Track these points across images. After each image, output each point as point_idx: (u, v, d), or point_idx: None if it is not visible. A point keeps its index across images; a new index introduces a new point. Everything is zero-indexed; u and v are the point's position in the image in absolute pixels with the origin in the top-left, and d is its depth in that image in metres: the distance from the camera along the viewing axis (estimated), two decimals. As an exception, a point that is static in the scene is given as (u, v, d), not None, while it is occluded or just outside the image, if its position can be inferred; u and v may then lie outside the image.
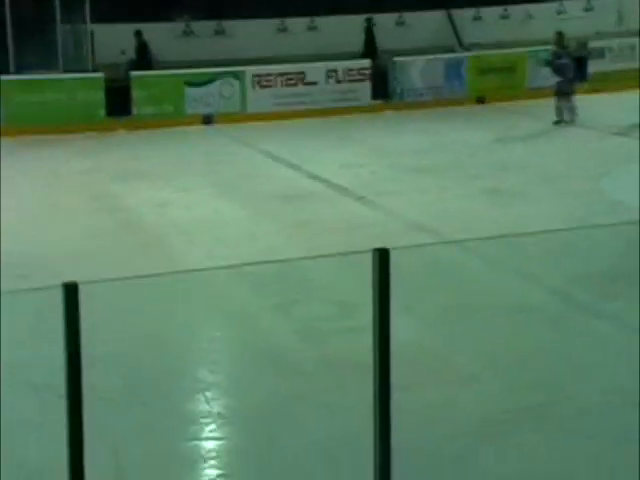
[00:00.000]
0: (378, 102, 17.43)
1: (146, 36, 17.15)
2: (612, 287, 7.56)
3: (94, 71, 16.52)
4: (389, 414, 3.16)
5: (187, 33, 17.92)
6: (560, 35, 15.57)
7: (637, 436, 3.15)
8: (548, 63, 15.37)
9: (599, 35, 18.61)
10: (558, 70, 14.94)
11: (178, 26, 17.96)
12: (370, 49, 18.14)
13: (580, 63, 17.20)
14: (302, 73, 17.34)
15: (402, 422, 5.43)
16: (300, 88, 17.23)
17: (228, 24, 18.19)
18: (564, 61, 15.06)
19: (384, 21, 19.10)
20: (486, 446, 5.55)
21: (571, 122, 14.60)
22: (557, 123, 14.46)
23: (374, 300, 3.00)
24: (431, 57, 17.95)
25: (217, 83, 16.70)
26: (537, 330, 7.19)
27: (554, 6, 19.62)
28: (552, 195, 11.03)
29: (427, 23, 19.27)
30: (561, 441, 5.49)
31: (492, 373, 6.53)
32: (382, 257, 3.10)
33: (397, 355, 3.91)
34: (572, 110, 14.64)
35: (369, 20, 18.14)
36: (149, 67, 16.99)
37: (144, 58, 17.13)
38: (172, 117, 16.06)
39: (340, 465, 5.34)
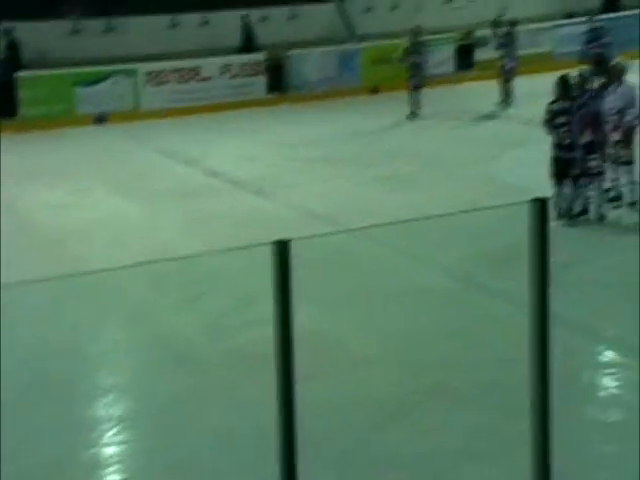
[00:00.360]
0: (274, 95, 17.44)
1: (33, 34, 16.62)
2: (504, 266, 7.79)
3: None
4: (292, 405, 3.16)
5: (76, 31, 17.48)
6: (416, 31, 15.71)
7: (527, 406, 3.27)
8: (401, 61, 15.45)
9: (484, 24, 19.09)
10: (412, 67, 15.08)
11: (67, 24, 17.50)
12: (248, 44, 17.97)
13: (466, 51, 17.63)
14: (196, 69, 17.19)
15: (308, 411, 5.50)
16: (195, 84, 17.08)
17: (118, 21, 17.84)
18: (416, 59, 15.15)
19: (278, 15, 19.11)
20: (391, 428, 5.66)
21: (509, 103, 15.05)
22: (411, 116, 14.68)
23: (275, 291, 3.00)
24: (325, 49, 18.06)
25: (109, 81, 16.38)
26: (435, 311, 7.37)
27: (441, -4, 20.02)
28: (444, 180, 11.28)
29: (320, 16, 19.38)
30: (459, 416, 5.65)
31: (394, 356, 6.65)
32: (282, 248, 3.10)
33: (302, 345, 3.93)
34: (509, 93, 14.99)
35: (246, 16, 18.00)
36: (19, 67, 16.36)
37: (14, 57, 16.53)
38: (62, 117, 15.65)
39: (245, 459, 5.34)
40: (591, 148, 9.15)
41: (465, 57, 17.69)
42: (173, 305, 7.91)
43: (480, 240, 8.76)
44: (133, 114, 16.19)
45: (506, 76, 15.17)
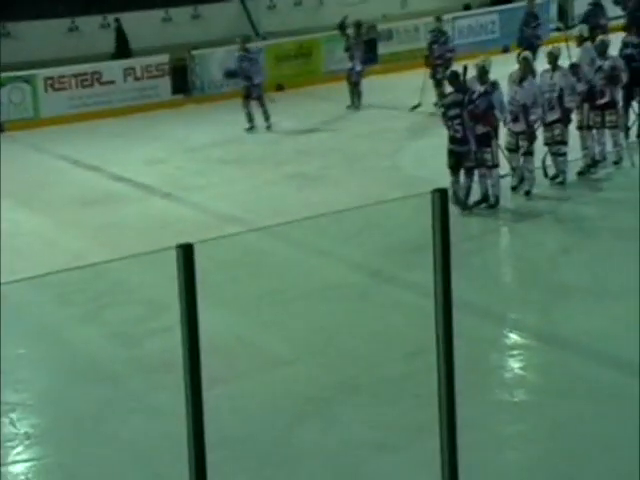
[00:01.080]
0: (179, 97, 17.20)
1: None
2: (412, 258, 7.86)
3: None
4: (201, 411, 3.09)
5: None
6: (244, 39, 15.17)
7: (436, 396, 3.29)
8: (230, 74, 14.94)
9: (386, 18, 19.26)
10: (243, 74, 14.44)
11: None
12: (122, 49, 17.40)
13: (370, 45, 17.73)
14: (98, 73, 16.81)
15: (224, 414, 5.43)
16: (97, 88, 16.69)
17: (13, 26, 17.31)
18: (245, 64, 14.54)
19: (180, 14, 18.87)
20: (305, 424, 5.65)
21: (357, 106, 14.85)
22: (249, 129, 14.15)
23: (180, 297, 2.92)
24: (229, 48, 17.91)
25: (6, 88, 15.85)
26: (346, 306, 7.38)
27: (343, -8, 20.09)
28: (352, 175, 11.32)
29: (222, 15, 19.22)
30: (371, 409, 5.67)
31: (304, 354, 6.64)
32: (186, 253, 3.02)
33: (214, 349, 3.87)
34: (359, 96, 14.86)
35: (118, 20, 17.54)
36: None
37: None
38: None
39: (158, 469, 5.24)
40: (484, 140, 9.30)
41: (369, 51, 17.78)
42: (79, 316, 7.71)
43: (388, 233, 8.83)
44: (33, 122, 15.73)
45: (354, 80, 14.98)
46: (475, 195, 9.43)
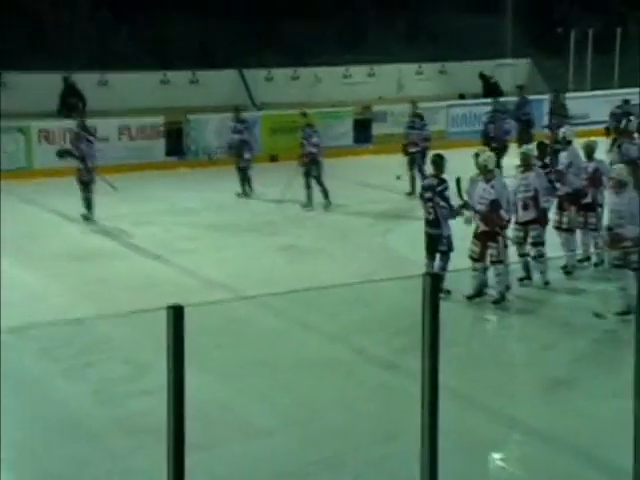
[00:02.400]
0: (172, 159, 17.36)
1: None
2: (399, 339, 7.88)
3: None
4: (183, 474, 3.08)
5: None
6: (238, 109, 15.33)
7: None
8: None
9: (381, 100, 19.68)
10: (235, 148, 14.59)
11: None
12: (66, 107, 17.41)
13: (365, 125, 18.07)
14: (93, 128, 16.93)
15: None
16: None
17: (10, 76, 17.49)
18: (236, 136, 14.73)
19: (178, 78, 19.18)
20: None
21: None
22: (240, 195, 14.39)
23: (168, 358, 2.93)
24: (225, 115, 18.17)
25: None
26: (331, 382, 7.35)
27: (341, 70, 20.56)
28: (343, 251, 11.41)
29: (220, 82, 19.55)
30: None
31: (286, 427, 6.60)
32: (176, 314, 3.05)
33: (195, 414, 3.84)
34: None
35: (66, 79, 17.65)
36: None
37: None
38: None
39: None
40: (491, 235, 9.11)
41: (363, 131, 18.11)
42: (62, 371, 7.63)
43: (377, 312, 8.86)
44: (26, 173, 15.78)
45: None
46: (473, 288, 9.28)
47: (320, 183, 13.66)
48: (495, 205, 9.06)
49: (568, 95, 19.24)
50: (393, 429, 6.30)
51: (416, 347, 3.31)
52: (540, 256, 9.72)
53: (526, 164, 9.75)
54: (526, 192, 9.58)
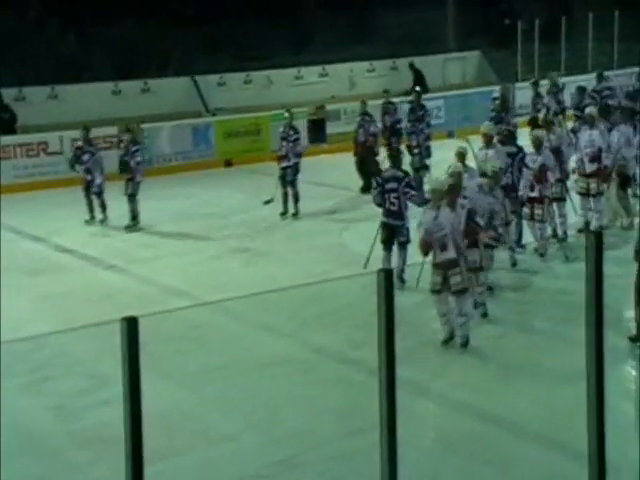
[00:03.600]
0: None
1: None
2: (357, 335, 7.93)
3: None
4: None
5: None
6: (86, 130, 14.04)
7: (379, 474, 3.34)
8: (73, 166, 13.75)
9: (334, 99, 19.73)
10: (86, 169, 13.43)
11: None
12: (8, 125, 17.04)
13: (319, 125, 18.12)
14: (44, 143, 16.81)
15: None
16: (43, 158, 16.68)
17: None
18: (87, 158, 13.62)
19: (129, 88, 19.07)
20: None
21: None
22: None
23: (124, 370, 2.95)
24: (178, 122, 18.12)
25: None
26: (290, 382, 7.38)
27: (292, 72, 20.59)
28: (298, 252, 11.43)
29: (173, 89, 19.47)
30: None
31: (248, 430, 6.61)
32: (130, 326, 3.05)
33: (155, 422, 3.84)
34: None
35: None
36: None
37: None
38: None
39: None
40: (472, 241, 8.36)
41: (317, 131, 18.15)
42: (19, 388, 7.57)
43: (334, 310, 8.90)
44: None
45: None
46: None
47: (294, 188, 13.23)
48: (471, 214, 8.28)
49: (518, 85, 19.49)
50: (356, 424, 6.34)
51: (373, 342, 3.35)
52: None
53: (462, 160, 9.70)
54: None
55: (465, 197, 8.38)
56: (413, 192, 9.48)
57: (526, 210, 10.30)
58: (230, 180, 15.11)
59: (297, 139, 13.33)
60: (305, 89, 20.14)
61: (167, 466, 5.90)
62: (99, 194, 13.37)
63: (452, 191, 8.02)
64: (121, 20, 19.67)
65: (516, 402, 6.80)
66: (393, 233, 9.38)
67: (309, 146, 16.85)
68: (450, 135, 15.54)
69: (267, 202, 13.07)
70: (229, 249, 11.73)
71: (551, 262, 10.33)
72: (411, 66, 20.81)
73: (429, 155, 14.05)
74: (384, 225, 9.42)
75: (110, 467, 5.87)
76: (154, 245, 12.30)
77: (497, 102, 15.96)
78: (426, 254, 8.00)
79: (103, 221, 13.31)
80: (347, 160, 14.90)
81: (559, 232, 10.77)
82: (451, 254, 7.81)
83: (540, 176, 10.21)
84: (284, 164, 13.05)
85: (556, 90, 16.94)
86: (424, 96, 16.18)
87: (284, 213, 13.03)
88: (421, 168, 13.86)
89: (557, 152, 10.81)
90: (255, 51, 20.42)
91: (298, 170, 13.11)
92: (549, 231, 10.64)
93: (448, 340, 7.91)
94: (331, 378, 7.43)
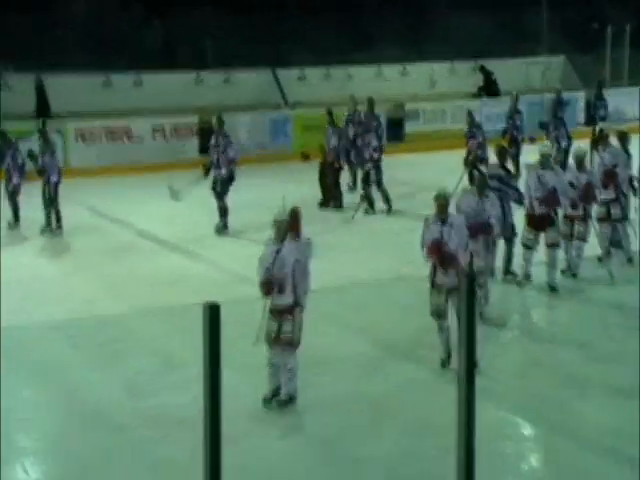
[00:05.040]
0: (206, 157, 17.51)
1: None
2: (423, 335, 7.92)
3: None
4: (219, 469, 3.11)
5: (6, 86, 17.35)
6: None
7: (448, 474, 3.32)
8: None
9: (414, 97, 19.68)
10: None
11: (-3, 77, 17.42)
12: (42, 109, 17.27)
13: (397, 123, 18.08)
14: (127, 128, 17.22)
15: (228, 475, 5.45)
16: (126, 144, 17.09)
17: (49, 77, 17.82)
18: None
19: (211, 78, 19.36)
20: None
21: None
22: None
23: (205, 355, 2.99)
24: (257, 114, 18.32)
25: (37, 137, 16.25)
26: (357, 376, 7.39)
27: (372, 69, 20.60)
28: (369, 248, 11.45)
29: (253, 81, 19.69)
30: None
31: (303, 428, 6.64)
32: (212, 311, 3.09)
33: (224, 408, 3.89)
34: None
35: (39, 80, 17.46)
36: None
37: None
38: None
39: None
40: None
41: (396, 129, 18.12)
42: (89, 363, 7.79)
43: (402, 307, 8.89)
44: (64, 171, 16.04)
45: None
46: None
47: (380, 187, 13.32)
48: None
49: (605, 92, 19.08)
50: (421, 424, 6.34)
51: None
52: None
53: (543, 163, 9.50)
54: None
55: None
56: (511, 191, 9.50)
57: (564, 227, 9.66)
58: (305, 174, 15.14)
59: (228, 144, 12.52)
60: (384, 85, 20.13)
61: (237, 449, 5.97)
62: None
63: (296, 221, 6.96)
64: (204, 10, 19.96)
65: (587, 414, 6.69)
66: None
67: (387, 144, 16.83)
68: (531, 140, 15.31)
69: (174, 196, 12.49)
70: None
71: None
72: (482, 68, 20.61)
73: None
74: None
75: (175, 446, 6.02)
76: (227, 233, 12.47)
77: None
78: (267, 294, 6.77)
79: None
80: (425, 159, 14.86)
81: (627, 254, 10.31)
82: (288, 299, 6.73)
83: (586, 194, 9.61)
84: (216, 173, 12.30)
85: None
86: (499, 99, 16.03)
87: (370, 208, 13.21)
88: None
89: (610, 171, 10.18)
90: (337, 47, 20.48)
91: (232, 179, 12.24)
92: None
93: (270, 399, 6.85)
94: (400, 377, 7.39)
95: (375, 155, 13.27)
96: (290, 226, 6.86)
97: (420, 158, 16.22)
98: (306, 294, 6.83)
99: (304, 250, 6.89)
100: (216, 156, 12.37)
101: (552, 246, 9.37)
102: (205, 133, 17.72)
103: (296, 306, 6.76)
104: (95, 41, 19.00)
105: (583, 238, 9.72)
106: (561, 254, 9.64)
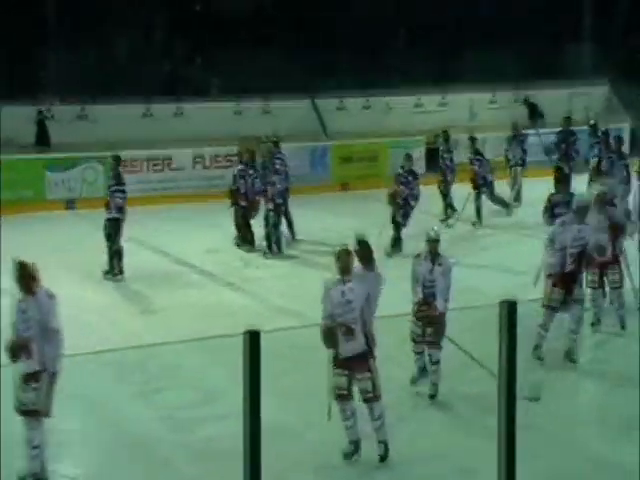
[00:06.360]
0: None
1: (5, 118, 16.75)
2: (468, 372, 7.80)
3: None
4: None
5: (49, 117, 17.64)
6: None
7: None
8: None
9: (454, 129, 19.61)
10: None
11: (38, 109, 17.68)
12: (42, 140, 17.28)
13: (436, 154, 18.00)
14: (169, 158, 17.38)
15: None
16: (167, 173, 17.25)
17: (92, 108, 18.07)
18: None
19: (250, 108, 19.50)
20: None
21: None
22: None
23: (244, 381, 2.98)
24: (296, 145, 18.39)
25: (80, 168, 16.49)
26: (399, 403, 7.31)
27: (412, 99, 20.61)
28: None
29: (293, 111, 19.79)
30: None
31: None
32: (253, 339, 3.10)
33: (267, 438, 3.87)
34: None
35: (40, 112, 17.43)
36: (47, 145, 16.54)
37: (43, 137, 16.84)
38: (31, 202, 15.65)
39: None
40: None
41: (434, 159, 18.06)
42: (135, 395, 7.79)
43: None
44: (103, 201, 16.21)
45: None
46: None
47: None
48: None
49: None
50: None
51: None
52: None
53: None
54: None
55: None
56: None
57: (591, 278, 9.04)
58: (345, 205, 15.17)
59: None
60: (424, 117, 20.12)
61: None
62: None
63: (368, 253, 6.27)
64: (243, 44, 20.17)
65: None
66: None
67: (425, 174, 16.79)
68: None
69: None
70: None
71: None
72: (525, 101, 20.55)
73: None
74: None
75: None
76: (267, 265, 12.49)
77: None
78: (333, 346, 6.15)
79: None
80: (460, 190, 14.80)
81: None
82: (358, 345, 6.09)
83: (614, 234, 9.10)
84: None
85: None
86: (543, 130, 15.99)
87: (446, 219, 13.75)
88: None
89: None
90: (376, 77, 20.53)
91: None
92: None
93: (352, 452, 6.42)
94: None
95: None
96: (361, 260, 6.28)
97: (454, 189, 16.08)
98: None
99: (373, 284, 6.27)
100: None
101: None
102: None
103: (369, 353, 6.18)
104: (138, 75, 19.27)
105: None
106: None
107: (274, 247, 12.92)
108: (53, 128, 17.34)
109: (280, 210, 13.20)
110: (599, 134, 15.96)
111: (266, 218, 13.02)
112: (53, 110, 17.64)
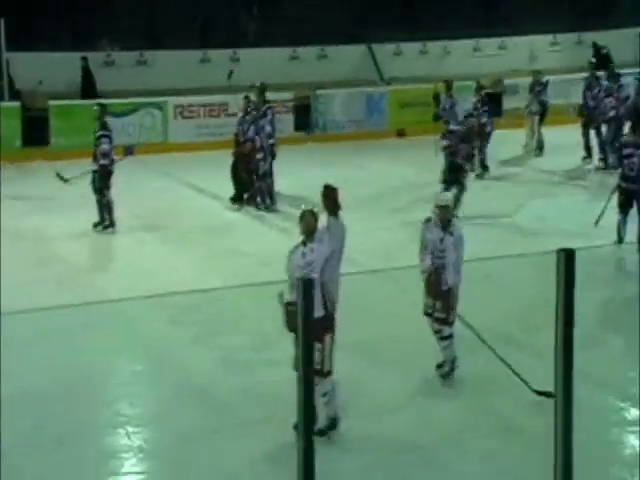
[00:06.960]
0: (300, 134, 17.58)
1: (65, 65, 16.95)
2: (530, 318, 7.76)
3: (12, 100, 16.24)
4: (312, 447, 3.14)
5: (108, 63, 17.79)
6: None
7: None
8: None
9: (513, 72, 19.21)
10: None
11: (99, 56, 17.86)
12: (87, 89, 17.21)
13: (496, 99, 17.70)
14: (224, 104, 17.39)
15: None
16: (222, 119, 17.27)
17: (150, 54, 18.16)
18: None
19: (306, 54, 19.35)
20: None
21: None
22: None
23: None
24: (352, 90, 18.24)
25: (138, 113, 16.63)
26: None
27: (470, 43, 20.21)
28: (473, 227, 11.25)
29: (349, 57, 19.59)
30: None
31: (416, 401, 6.64)
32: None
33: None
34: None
35: (85, 59, 17.36)
36: (94, 93, 16.60)
37: (89, 84, 16.92)
38: (91, 148, 15.78)
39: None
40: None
41: (494, 105, 17.75)
42: (192, 338, 7.95)
43: (505, 289, 8.75)
44: (161, 147, 16.39)
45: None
46: None
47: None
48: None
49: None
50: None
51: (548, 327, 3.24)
52: None
53: None
54: None
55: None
56: None
57: None
58: (401, 151, 15.03)
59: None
60: (483, 61, 19.74)
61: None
62: None
63: (333, 200, 5.83)
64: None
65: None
66: (630, 197, 9.59)
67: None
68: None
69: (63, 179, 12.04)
70: (399, 221, 11.70)
71: None
72: (594, 45, 19.95)
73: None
74: (621, 189, 9.63)
75: (275, 425, 6.07)
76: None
77: None
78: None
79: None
80: (522, 136, 14.55)
81: None
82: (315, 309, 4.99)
83: None
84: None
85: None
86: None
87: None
88: None
89: None
90: (434, 22, 20.16)
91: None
92: None
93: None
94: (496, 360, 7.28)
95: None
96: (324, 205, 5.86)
97: (516, 134, 15.81)
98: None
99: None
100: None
101: None
102: (300, 109, 17.83)
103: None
104: (195, 22, 19.24)
105: None
106: None
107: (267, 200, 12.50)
108: (111, 74, 17.49)
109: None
110: None
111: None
112: (113, 56, 17.78)
